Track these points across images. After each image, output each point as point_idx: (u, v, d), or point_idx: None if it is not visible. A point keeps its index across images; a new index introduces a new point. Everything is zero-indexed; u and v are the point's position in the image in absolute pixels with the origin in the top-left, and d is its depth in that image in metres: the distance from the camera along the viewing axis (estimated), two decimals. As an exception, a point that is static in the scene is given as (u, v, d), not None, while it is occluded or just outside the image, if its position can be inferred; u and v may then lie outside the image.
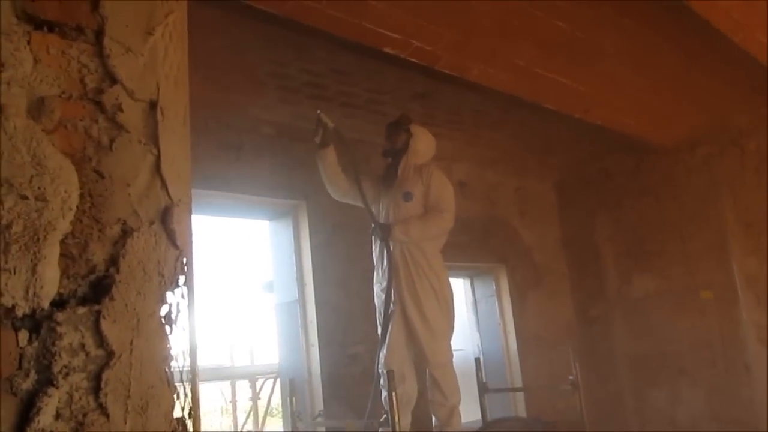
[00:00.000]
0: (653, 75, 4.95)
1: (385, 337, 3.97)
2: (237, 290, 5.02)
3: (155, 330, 1.23)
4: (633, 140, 6.10)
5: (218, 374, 7.48)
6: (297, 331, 4.99)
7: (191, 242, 1.30)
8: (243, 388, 7.66)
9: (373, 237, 4.13)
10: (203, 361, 4.50)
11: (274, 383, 7.37)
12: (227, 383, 7.99)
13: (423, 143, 4.21)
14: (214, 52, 4.01)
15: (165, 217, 1.27)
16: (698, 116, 5.91)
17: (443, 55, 4.14)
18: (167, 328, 1.25)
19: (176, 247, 1.27)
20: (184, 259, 1.28)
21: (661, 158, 6.52)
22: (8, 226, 1.12)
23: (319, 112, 4.03)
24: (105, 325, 1.18)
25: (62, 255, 1.17)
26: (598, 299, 6.97)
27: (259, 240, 5.27)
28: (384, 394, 3.57)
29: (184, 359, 1.27)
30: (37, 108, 1.19)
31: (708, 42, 4.35)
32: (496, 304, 6.67)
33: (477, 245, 6.32)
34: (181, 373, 1.26)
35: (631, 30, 4.29)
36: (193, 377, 1.30)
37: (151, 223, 1.25)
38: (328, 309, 4.95)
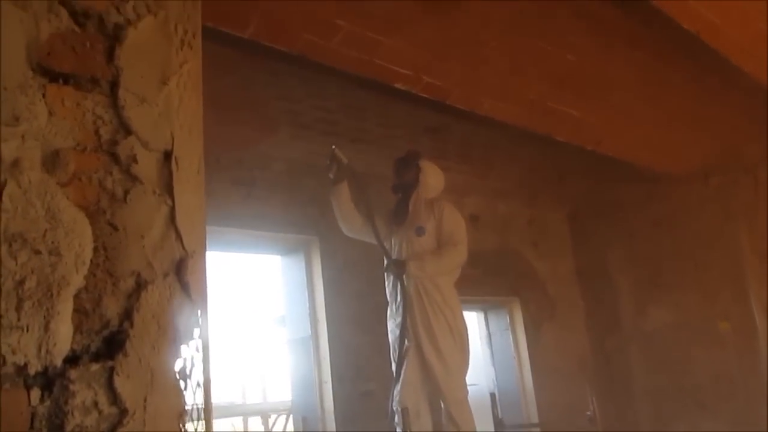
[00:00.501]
0: (664, 106, 4.93)
1: (400, 374, 3.90)
2: (249, 326, 4.98)
3: (169, 385, 1.20)
4: (645, 171, 6.06)
5: (230, 411, 7.40)
6: (310, 367, 4.93)
7: (206, 293, 1.28)
8: (255, 424, 7.58)
9: (386, 273, 4.09)
10: (215, 398, 4.43)
11: (287, 420, 7.27)
12: (239, 419, 7.91)
13: (432, 177, 4.20)
14: (226, 90, 4.03)
15: (179, 268, 1.25)
16: (710, 146, 5.88)
17: (454, 89, 4.15)
18: (182, 383, 1.22)
19: (190, 298, 1.25)
20: (199, 311, 1.26)
21: (674, 188, 6.47)
22: (21, 282, 1.10)
23: (333, 147, 4.00)
24: (118, 382, 1.15)
25: (75, 310, 1.15)
26: (613, 331, 6.88)
27: (271, 275, 5.23)
28: (399, 431, 3.50)
29: (199, 415, 1.24)
30: (51, 161, 1.18)
31: (718, 72, 4.34)
32: (511, 337, 6.58)
33: (490, 278, 6.25)
34: (195, 430, 1.23)
35: (641, 62, 4.28)
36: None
37: (166, 275, 1.23)
38: (341, 345, 4.90)
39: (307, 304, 5.01)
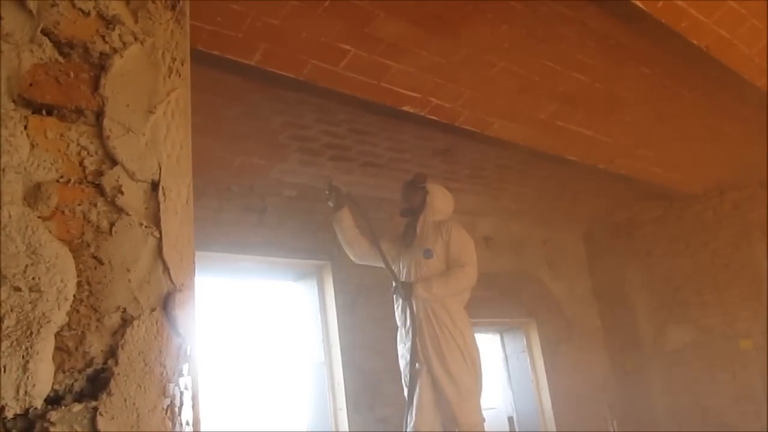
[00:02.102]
0: (676, 122, 4.86)
1: (412, 399, 3.88)
2: (262, 353, 4.94)
3: (156, 426, 1.14)
4: (660, 188, 5.99)
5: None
6: (324, 394, 4.86)
7: (195, 329, 1.22)
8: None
9: (395, 296, 4.08)
10: (228, 427, 4.39)
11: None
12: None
13: (440, 200, 4.20)
14: (235, 118, 4.03)
15: (167, 303, 1.19)
16: (725, 161, 5.78)
17: (463, 111, 4.12)
18: (169, 423, 1.16)
19: (179, 334, 1.19)
20: (188, 348, 1.20)
21: (690, 205, 6.38)
22: None
23: (330, 178, 4.14)
24: (102, 423, 1.09)
25: (57, 348, 1.10)
26: (633, 352, 6.75)
27: (283, 301, 5.18)
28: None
29: (188, 457, 1.17)
30: (33, 194, 1.14)
31: (729, 86, 4.27)
32: (528, 359, 6.48)
33: (505, 300, 6.19)
34: (184, 473, 1.17)
35: (651, 79, 4.22)
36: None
37: (153, 310, 1.18)
38: (356, 371, 4.83)
39: (321, 330, 4.96)
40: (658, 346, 6.59)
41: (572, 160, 5.04)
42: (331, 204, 4.16)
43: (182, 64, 1.34)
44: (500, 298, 6.10)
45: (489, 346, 6.62)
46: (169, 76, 1.31)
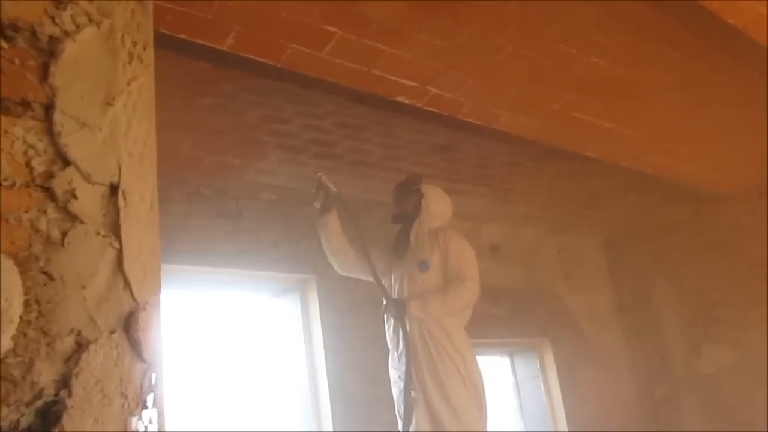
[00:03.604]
0: (710, 114, 4.88)
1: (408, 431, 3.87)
2: (238, 380, 4.92)
3: (117, 466, 1.13)
4: (691, 189, 6.00)
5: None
6: (309, 425, 4.86)
7: (161, 353, 1.22)
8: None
9: (385, 315, 4.07)
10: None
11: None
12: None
13: (436, 204, 4.21)
14: (205, 111, 4.03)
15: (128, 324, 1.19)
16: (765, 157, 5.80)
17: (466, 102, 4.13)
18: (132, 463, 1.15)
19: (143, 360, 1.19)
20: (153, 375, 1.20)
21: (726, 208, 6.40)
22: (-66, 348, 1.05)
23: (320, 174, 4.11)
24: (54, 464, 1.09)
25: (2, 378, 1.09)
26: (662, 376, 6.77)
27: (262, 321, 5.17)
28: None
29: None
30: (-28, 201, 1.13)
31: (771, 74, 4.30)
32: (542, 384, 6.49)
33: (515, 317, 6.20)
34: None
35: (680, 64, 4.24)
36: None
37: (112, 332, 1.18)
38: (345, 399, 4.83)
39: (305, 353, 4.95)
40: (691, 369, 6.60)
41: (591, 156, 5.06)
42: (317, 205, 4.14)
43: (144, 49, 1.34)
44: (509, 316, 6.10)
45: (497, 370, 6.61)
46: (130, 63, 1.31)
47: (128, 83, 1.30)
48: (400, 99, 3.91)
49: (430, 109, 4.05)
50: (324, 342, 4.90)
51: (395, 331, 4.03)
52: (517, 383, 6.65)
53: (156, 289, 1.25)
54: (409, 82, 3.83)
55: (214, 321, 4.94)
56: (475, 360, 4.04)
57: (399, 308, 3.95)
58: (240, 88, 3.90)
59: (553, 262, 6.85)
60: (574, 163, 5.27)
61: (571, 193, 6.17)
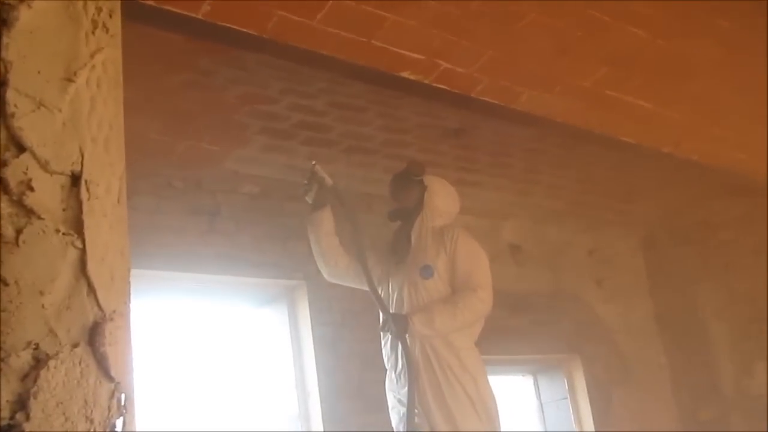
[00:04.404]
0: (764, 93, 4.87)
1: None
2: (218, 403, 4.94)
3: (81, 501, 1.14)
4: (742, 180, 6.00)
5: None
6: (299, 456, 4.89)
7: (131, 370, 1.23)
8: None
9: (382, 332, 4.07)
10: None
11: None
12: None
13: (441, 198, 4.22)
14: (177, 91, 4.03)
15: (94, 336, 1.20)
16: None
17: (481, 78, 4.13)
18: (98, 497, 1.16)
19: (110, 378, 1.20)
20: (122, 395, 1.21)
21: (784, 202, 6.40)
22: None
23: (314, 163, 4.08)
24: (9, 498, 1.09)
25: (-52, 399, 1.10)
26: (709, 397, 6.78)
27: (244, 334, 5.18)
28: None
29: None
30: None
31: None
32: (570, 408, 6.50)
33: (539, 330, 6.20)
34: None
35: (731, 36, 4.24)
36: None
37: (75, 345, 1.19)
38: (340, 425, 4.85)
39: (294, 372, 4.96)
40: (742, 389, 6.61)
41: (627, 142, 5.05)
42: (309, 200, 4.14)
43: (110, 17, 1.35)
44: (532, 328, 6.11)
45: (517, 392, 6.63)
46: (94, 33, 1.31)
47: (92, 56, 1.30)
48: (405, 75, 3.90)
49: (439, 86, 4.03)
50: (316, 360, 4.90)
51: (393, 349, 4.04)
52: (541, 407, 6.66)
53: (125, 296, 1.26)
54: (415, 55, 3.82)
55: (189, 335, 4.94)
56: (488, 381, 4.04)
57: (400, 324, 3.91)
58: (217, 62, 3.90)
59: (583, 265, 6.85)
60: (608, 150, 5.27)
61: (604, 185, 6.17)
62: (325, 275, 4.28)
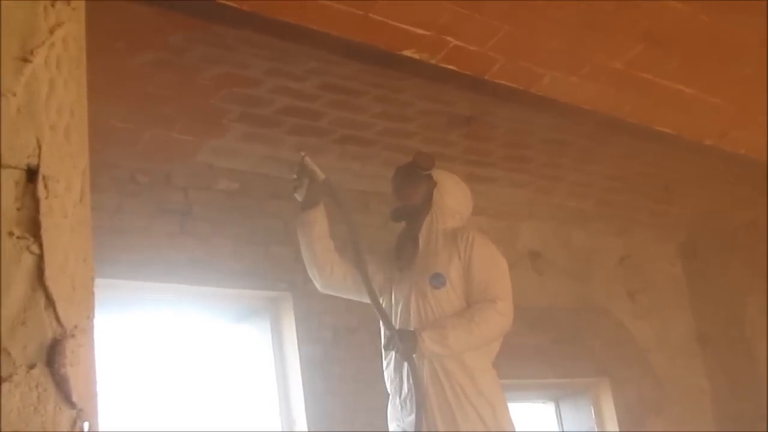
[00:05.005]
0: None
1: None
2: (191, 429, 4.95)
3: None
4: (798, 176, 6.01)
5: None
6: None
7: (95, 395, 1.24)
8: None
9: (385, 351, 4.06)
10: None
11: None
12: None
13: (453, 196, 4.22)
14: (143, 71, 4.03)
15: (53, 355, 1.21)
16: None
17: (497, 57, 4.13)
18: None
19: (71, 404, 1.21)
20: (85, 423, 1.22)
21: None
22: None
23: (303, 154, 4.05)
24: None
25: None
26: (756, 426, 6.76)
27: (221, 353, 5.18)
28: None
29: None
30: None
31: None
32: (598, 439, 6.52)
33: (563, 349, 6.21)
34: None
35: (784, 9, 4.25)
36: None
37: (31, 366, 1.19)
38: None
39: (278, 397, 4.96)
40: (796, 418, 6.61)
41: (664, 132, 5.06)
42: (298, 197, 4.12)
43: (72, -14, 1.35)
44: (554, 348, 6.13)
45: (538, 420, 6.65)
46: (53, 5, 1.32)
47: (51, 31, 1.31)
48: (408, 53, 3.91)
49: (447, 67, 4.04)
50: (303, 384, 4.90)
51: (397, 370, 4.03)
52: (564, 437, 6.69)
53: (88, 309, 1.26)
54: (419, 31, 3.82)
55: (158, 355, 4.94)
56: (507, 408, 4.04)
57: (407, 342, 3.89)
58: (190, 39, 3.89)
59: (614, 275, 6.86)
60: (642, 142, 5.27)
61: (638, 182, 6.19)
62: (318, 285, 4.25)
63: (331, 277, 4.19)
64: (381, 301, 4.06)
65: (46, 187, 1.27)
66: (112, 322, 4.69)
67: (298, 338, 4.96)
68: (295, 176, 4.11)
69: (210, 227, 4.83)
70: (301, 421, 4.88)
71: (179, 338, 5.10)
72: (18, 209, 1.25)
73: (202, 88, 4.28)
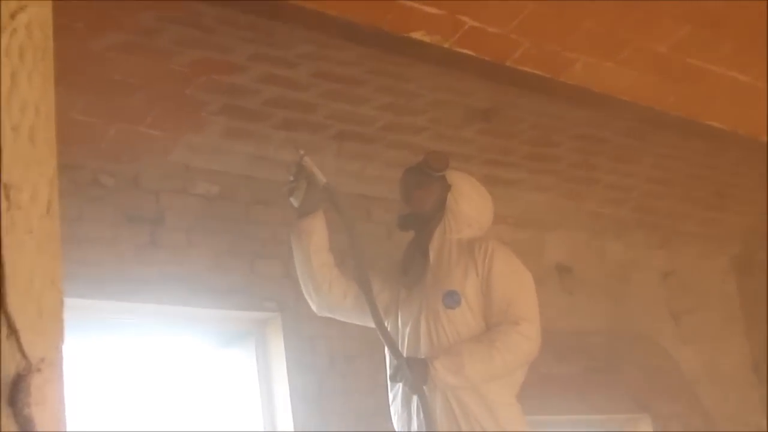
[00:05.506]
0: None
1: None
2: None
3: None
4: None
5: None
6: None
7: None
8: None
9: (391, 382, 4.06)
10: None
11: None
12: None
13: (469, 201, 4.21)
14: (109, 56, 4.03)
15: (16, 393, 1.22)
16: None
17: (521, 41, 4.15)
18: None
19: (37, 447, 1.22)
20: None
21: None
22: None
23: (302, 154, 4.03)
24: None
25: None
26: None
27: (202, 383, 5.17)
28: None
29: None
30: None
31: None
32: (637, 486, 6.52)
33: (596, 380, 6.21)
34: None
35: None
36: None
37: (-10, 405, 1.20)
38: None
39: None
40: None
41: (714, 127, 5.07)
42: (295, 202, 4.11)
43: (37, -37, 1.36)
44: (587, 378, 6.13)
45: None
46: (15, -14, 1.33)
47: (12, 16, 1.32)
48: (417, 36, 3.93)
49: (463, 51, 4.06)
50: (294, 419, 4.90)
51: (405, 405, 4.03)
52: (598, 483, 6.68)
53: (57, 338, 1.27)
54: (430, 9, 3.84)
55: (128, 386, 4.93)
56: None
57: (417, 372, 3.90)
58: (163, 18, 3.91)
59: (656, 294, 6.86)
60: (689, 139, 5.28)
61: (684, 186, 6.20)
62: (313, 305, 4.24)
63: (329, 295, 4.18)
64: (386, 324, 4.06)
65: (7, 197, 1.27)
66: (71, 349, 4.68)
67: (288, 367, 4.95)
68: (291, 178, 4.08)
69: (185, 237, 4.83)
70: (291, 464, 4.90)
71: (149, 367, 5.09)
72: (-25, 223, 1.26)
73: (177, 76, 4.29)
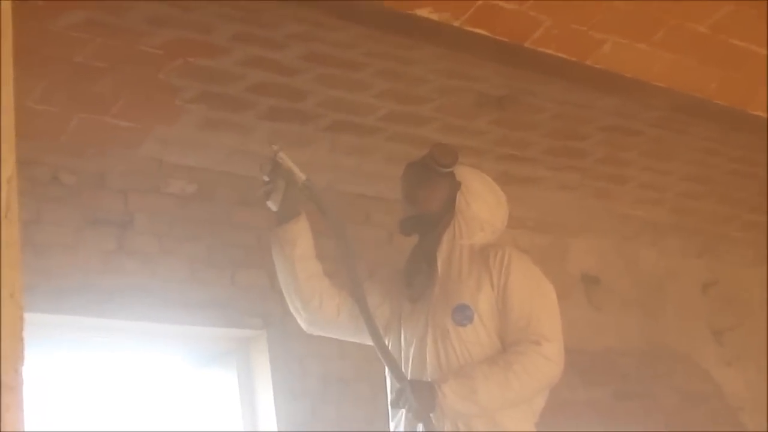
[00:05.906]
0: None
1: None
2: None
3: None
4: None
5: None
6: None
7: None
8: None
9: (393, 409, 4.06)
10: None
11: None
12: None
13: (481, 201, 4.18)
14: (70, 38, 4.04)
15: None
16: None
17: (541, 18, 4.15)
18: None
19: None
20: None
21: None
22: None
23: (276, 149, 3.99)
24: None
25: None
26: None
27: (179, 405, 5.19)
28: None
29: None
30: None
31: None
32: None
33: (627, 407, 6.22)
34: None
35: None
36: None
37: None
38: None
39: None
40: None
41: (762, 118, 5.07)
42: (272, 205, 4.09)
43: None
44: (616, 404, 6.14)
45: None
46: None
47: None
48: (423, 13, 3.91)
49: (475, 31, 4.06)
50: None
51: (410, 432, 4.05)
52: None
53: (16, 360, 1.28)
54: (437, -16, 3.86)
55: (97, 410, 4.93)
56: None
57: (423, 397, 3.90)
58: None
59: (696, 308, 6.88)
60: (732, 131, 5.29)
61: (726, 184, 6.22)
62: (303, 324, 4.21)
63: (319, 311, 4.15)
64: (387, 343, 4.06)
65: (-40, 197, 1.29)
66: (35, 368, 4.69)
67: (274, 391, 4.97)
68: (266, 178, 4.04)
69: (158, 243, 4.84)
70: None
71: (116, 389, 5.10)
72: None
73: (148, 59, 4.30)
